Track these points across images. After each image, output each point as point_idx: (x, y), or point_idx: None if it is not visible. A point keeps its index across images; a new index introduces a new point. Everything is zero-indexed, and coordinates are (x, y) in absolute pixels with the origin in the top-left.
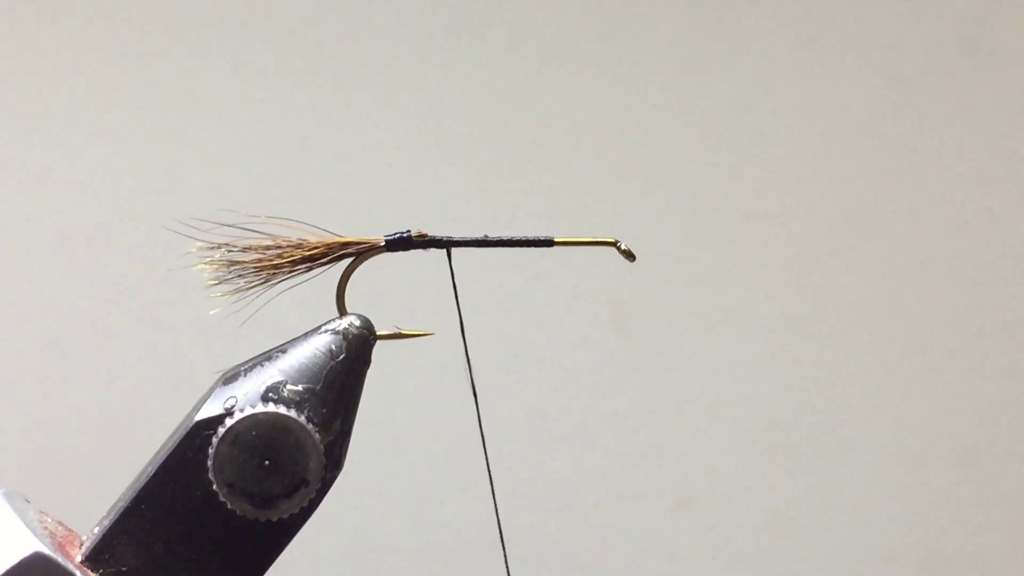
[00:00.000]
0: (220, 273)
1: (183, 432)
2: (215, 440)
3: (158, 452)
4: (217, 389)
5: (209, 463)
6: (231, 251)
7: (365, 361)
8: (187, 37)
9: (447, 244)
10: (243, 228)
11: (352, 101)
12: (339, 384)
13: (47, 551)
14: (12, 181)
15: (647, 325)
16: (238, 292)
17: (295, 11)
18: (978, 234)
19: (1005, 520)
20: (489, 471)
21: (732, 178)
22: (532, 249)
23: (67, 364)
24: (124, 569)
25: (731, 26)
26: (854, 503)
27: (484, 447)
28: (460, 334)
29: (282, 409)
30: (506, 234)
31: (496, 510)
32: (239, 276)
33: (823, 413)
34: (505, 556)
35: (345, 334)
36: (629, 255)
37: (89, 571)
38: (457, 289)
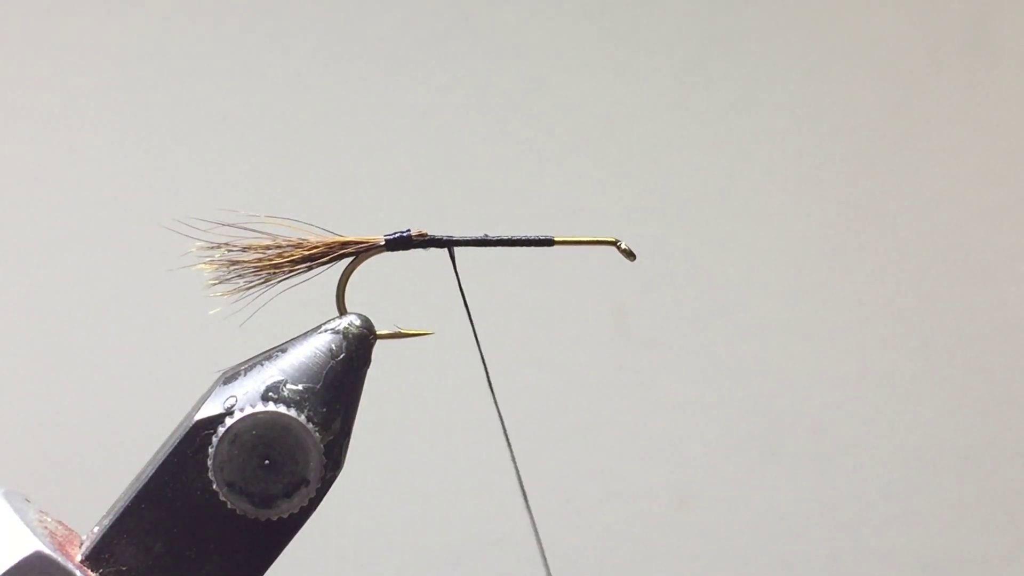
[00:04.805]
0: (220, 273)
1: (183, 432)
2: (215, 439)
3: (158, 452)
4: (217, 388)
5: (209, 462)
6: (231, 251)
7: (365, 360)
8: (187, 37)
9: (447, 244)
10: (243, 228)
11: (352, 101)
12: (339, 383)
13: (47, 551)
14: (12, 181)
15: (647, 325)
16: (238, 292)
17: (295, 11)
18: (978, 234)
19: (1005, 520)
20: (516, 467)
21: (732, 178)
22: (532, 249)
23: (67, 364)
24: (124, 568)
25: (731, 26)
26: (854, 503)
27: (509, 446)
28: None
29: (282, 408)
30: (506, 234)
31: (529, 512)
32: (239, 276)
33: (823, 413)
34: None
35: (345, 333)
36: (629, 255)
37: (89, 571)
38: (463, 287)
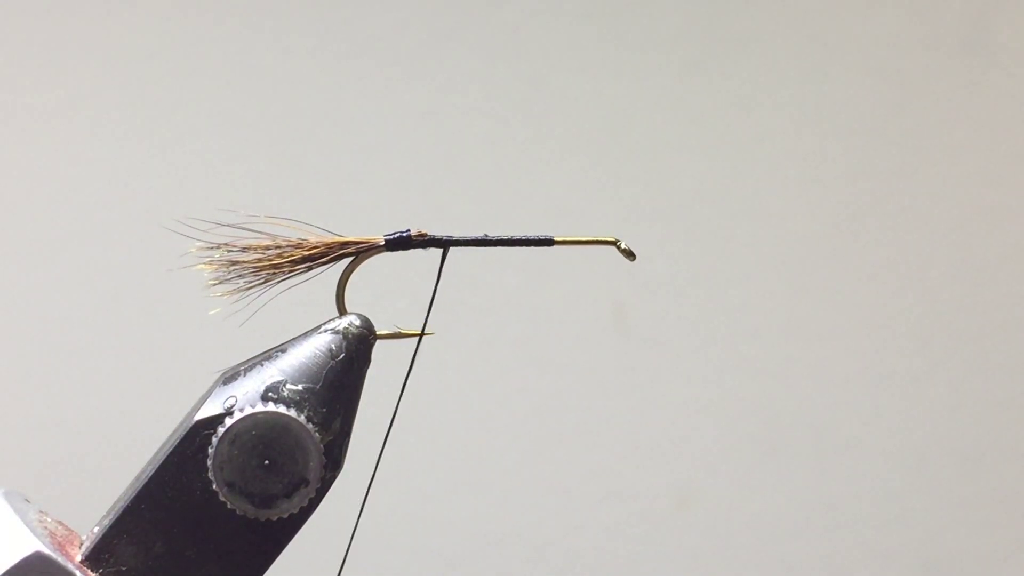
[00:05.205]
0: (220, 273)
1: (183, 432)
2: (215, 440)
3: (158, 452)
4: (217, 389)
5: (209, 463)
6: (231, 251)
7: (365, 360)
8: (187, 37)
9: (447, 243)
10: (243, 228)
11: (352, 101)
12: (339, 384)
13: (47, 551)
14: (12, 181)
15: (647, 325)
16: (238, 292)
17: (295, 11)
18: (978, 234)
19: (1005, 520)
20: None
21: (732, 178)
22: (532, 249)
23: (67, 364)
24: (124, 569)
25: (731, 25)
26: (854, 503)
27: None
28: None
29: (282, 408)
30: (506, 234)
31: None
32: (239, 276)
33: (823, 413)
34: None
35: (345, 333)
36: (629, 254)
37: (89, 571)
38: (438, 290)
